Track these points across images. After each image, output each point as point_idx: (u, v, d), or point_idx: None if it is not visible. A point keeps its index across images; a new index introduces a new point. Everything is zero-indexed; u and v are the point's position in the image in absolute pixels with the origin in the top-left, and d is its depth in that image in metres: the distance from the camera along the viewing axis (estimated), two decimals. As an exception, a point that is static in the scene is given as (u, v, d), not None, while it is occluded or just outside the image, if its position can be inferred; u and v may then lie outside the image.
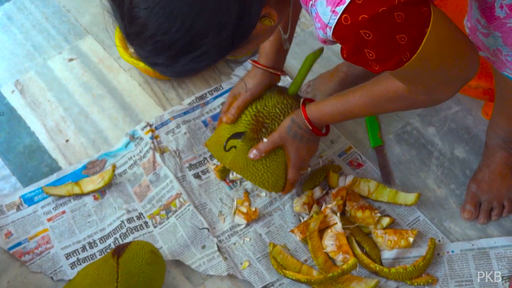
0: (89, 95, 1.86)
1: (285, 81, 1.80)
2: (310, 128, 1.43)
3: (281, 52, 1.53)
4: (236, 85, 1.58)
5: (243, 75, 1.58)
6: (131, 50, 1.81)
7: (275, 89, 1.55)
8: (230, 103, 1.56)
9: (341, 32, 0.99)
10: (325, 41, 1.06)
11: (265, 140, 1.46)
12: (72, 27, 2.01)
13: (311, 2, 1.02)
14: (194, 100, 1.80)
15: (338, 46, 1.06)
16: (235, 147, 1.48)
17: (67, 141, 1.78)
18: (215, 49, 0.98)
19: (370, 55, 1.01)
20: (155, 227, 1.60)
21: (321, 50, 1.53)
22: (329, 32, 1.01)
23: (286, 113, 1.49)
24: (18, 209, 1.64)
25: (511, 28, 1.16)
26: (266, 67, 1.53)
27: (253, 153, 1.46)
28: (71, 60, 1.94)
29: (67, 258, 1.57)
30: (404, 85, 1.19)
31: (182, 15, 0.93)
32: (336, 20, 0.98)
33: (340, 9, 0.96)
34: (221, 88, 1.83)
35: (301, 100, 1.46)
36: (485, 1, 1.17)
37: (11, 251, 1.58)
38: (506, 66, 1.26)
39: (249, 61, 1.56)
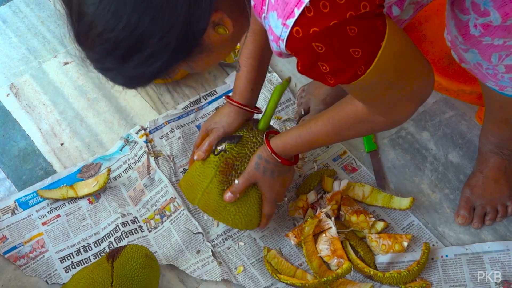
0: (84, 98, 1.86)
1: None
2: (279, 160, 1.40)
3: (255, 89, 1.51)
4: (209, 118, 1.54)
5: (216, 111, 1.55)
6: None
7: (245, 125, 1.51)
8: (202, 137, 1.53)
9: (293, 44, 0.98)
10: (280, 54, 1.05)
11: (236, 182, 1.43)
12: (68, 31, 2.00)
13: (263, 14, 1.01)
14: (189, 105, 1.80)
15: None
16: (225, 151, 1.46)
17: (62, 144, 1.78)
18: (164, 52, 0.96)
19: (324, 68, 1.00)
20: (149, 231, 1.60)
21: (287, 81, 1.50)
22: (282, 45, 1.00)
23: (254, 154, 1.45)
24: (13, 213, 1.64)
25: (487, 45, 1.16)
26: (240, 105, 1.49)
27: (227, 196, 1.43)
28: (66, 63, 1.94)
29: (61, 261, 1.57)
30: (363, 103, 1.17)
31: (128, 13, 0.91)
32: (287, 33, 0.97)
33: (291, 22, 0.95)
34: (215, 93, 1.83)
35: (264, 135, 1.43)
36: (460, 20, 1.17)
37: (6, 256, 1.57)
38: (488, 79, 1.27)
39: (224, 97, 1.54)
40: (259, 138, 1.46)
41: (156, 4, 0.92)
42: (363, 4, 0.92)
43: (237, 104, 1.49)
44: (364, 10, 0.92)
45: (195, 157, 1.49)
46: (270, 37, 1.02)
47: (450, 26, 1.25)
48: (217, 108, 1.80)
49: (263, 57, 1.47)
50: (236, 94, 1.51)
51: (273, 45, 1.03)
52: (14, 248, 1.59)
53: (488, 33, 1.14)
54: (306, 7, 0.92)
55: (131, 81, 1.03)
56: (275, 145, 1.40)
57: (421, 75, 1.10)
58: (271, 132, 1.46)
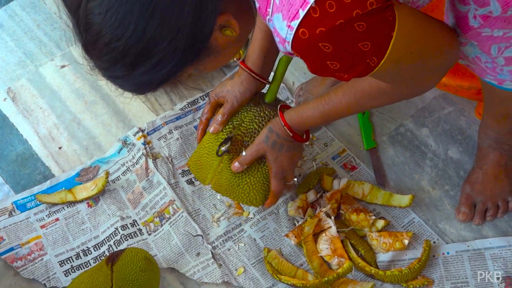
0: (81, 101, 1.86)
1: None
2: (291, 134, 1.38)
3: (268, 59, 1.47)
4: (219, 85, 1.49)
5: (225, 78, 1.51)
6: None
7: (252, 100, 1.47)
8: (212, 106, 1.50)
9: (299, 46, 0.97)
10: (290, 54, 1.04)
11: (244, 153, 1.42)
12: (64, 34, 1.98)
13: (268, 17, 1.00)
14: (186, 106, 1.80)
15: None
16: (229, 151, 1.45)
17: (60, 148, 1.77)
18: (172, 57, 0.96)
19: (334, 65, 0.99)
20: (149, 234, 1.60)
21: None
22: (288, 47, 0.99)
23: (264, 126, 1.43)
24: (10, 214, 1.63)
25: (486, 37, 1.15)
26: (253, 72, 1.45)
27: (234, 166, 1.42)
28: (63, 66, 1.93)
29: (61, 265, 1.56)
30: (386, 83, 1.17)
31: (134, 20, 0.91)
32: (293, 35, 0.96)
33: (295, 23, 0.94)
34: (213, 93, 1.82)
35: (278, 107, 1.40)
36: (459, 11, 1.16)
37: (2, 257, 1.57)
38: (486, 73, 1.26)
39: (236, 59, 1.49)
40: (267, 112, 1.44)
41: (162, 9, 0.92)
42: (370, 1, 0.91)
43: (249, 71, 1.45)
44: (371, 7, 0.91)
45: (211, 130, 1.46)
46: (277, 39, 1.02)
47: (448, 20, 1.24)
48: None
49: None
50: (249, 61, 1.46)
51: (280, 47, 1.03)
52: (12, 249, 1.58)
53: (488, 24, 1.13)
54: (311, 7, 0.91)
55: (140, 88, 1.03)
56: (289, 118, 1.37)
57: (443, 48, 1.10)
58: (283, 106, 1.42)
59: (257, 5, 1.02)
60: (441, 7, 1.42)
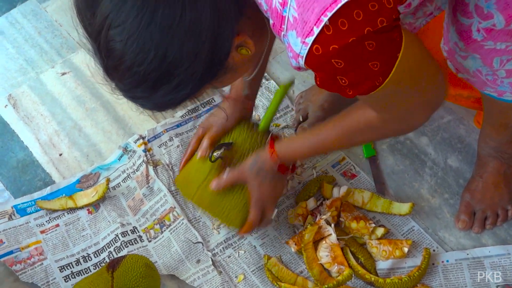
0: (82, 108, 1.86)
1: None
2: (277, 166, 1.40)
3: (252, 83, 1.51)
4: (206, 118, 1.55)
5: (213, 110, 1.57)
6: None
7: (246, 124, 1.51)
8: (198, 138, 1.53)
9: (312, 61, 1.00)
10: (299, 68, 1.07)
11: (226, 173, 1.43)
12: (65, 41, 2.01)
13: (282, 33, 1.03)
14: (187, 113, 1.80)
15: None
16: (222, 158, 1.46)
17: (60, 155, 1.78)
18: (192, 79, 0.99)
19: (343, 81, 1.02)
20: (149, 241, 1.60)
21: (291, 83, 1.50)
22: (301, 62, 1.02)
23: (256, 148, 1.45)
24: (10, 218, 1.63)
25: (489, 50, 1.17)
26: (236, 97, 1.50)
27: (214, 184, 1.43)
28: (64, 74, 1.94)
29: (61, 270, 1.56)
30: (377, 112, 1.18)
31: (155, 46, 0.94)
32: (307, 51, 0.99)
33: (310, 40, 0.97)
34: (213, 101, 1.83)
35: (269, 136, 1.43)
36: (462, 24, 1.17)
37: (1, 259, 1.56)
38: (486, 85, 1.27)
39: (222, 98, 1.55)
40: (260, 137, 1.47)
41: (181, 34, 0.94)
42: (380, 19, 0.94)
43: (232, 98, 1.50)
44: (381, 25, 0.95)
45: (198, 155, 1.49)
46: (289, 54, 1.05)
47: (449, 34, 1.25)
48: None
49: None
50: (232, 90, 1.52)
51: (292, 62, 1.05)
52: (11, 252, 1.58)
53: (491, 37, 1.14)
54: (325, 25, 0.94)
55: (161, 107, 1.07)
56: (278, 147, 1.39)
57: (435, 80, 1.12)
58: (275, 136, 1.45)
59: (271, 22, 1.05)
60: (434, 28, 1.43)
